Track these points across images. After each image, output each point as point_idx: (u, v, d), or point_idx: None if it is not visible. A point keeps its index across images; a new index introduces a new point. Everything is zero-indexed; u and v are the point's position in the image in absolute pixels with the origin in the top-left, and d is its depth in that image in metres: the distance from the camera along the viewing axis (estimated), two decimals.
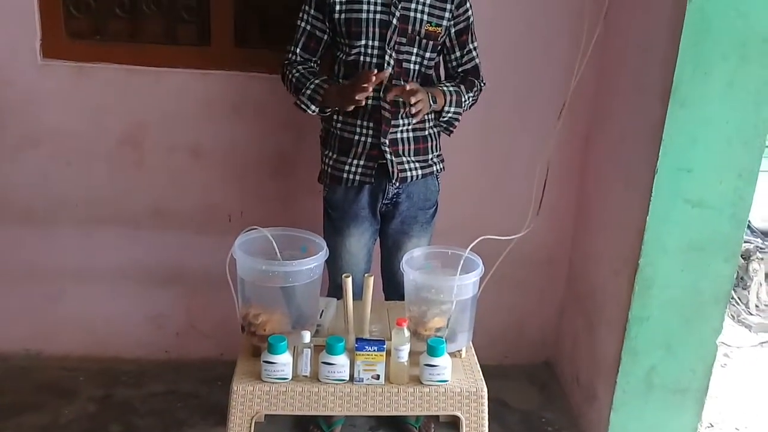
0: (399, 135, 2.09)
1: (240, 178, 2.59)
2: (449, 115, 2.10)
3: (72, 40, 2.45)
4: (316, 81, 2.04)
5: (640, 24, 2.22)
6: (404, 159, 2.11)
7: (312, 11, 2.06)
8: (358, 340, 1.68)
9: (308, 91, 2.04)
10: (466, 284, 1.75)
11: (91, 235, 2.62)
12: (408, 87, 1.92)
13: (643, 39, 2.20)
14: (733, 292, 3.33)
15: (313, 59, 2.12)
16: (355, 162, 2.10)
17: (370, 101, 2.02)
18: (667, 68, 1.98)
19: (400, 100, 2.00)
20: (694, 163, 2.04)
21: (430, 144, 2.17)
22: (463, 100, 2.11)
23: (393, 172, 2.09)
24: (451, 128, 2.17)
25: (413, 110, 1.93)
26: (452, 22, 2.09)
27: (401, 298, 1.94)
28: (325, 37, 2.09)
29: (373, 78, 1.88)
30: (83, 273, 2.66)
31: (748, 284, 3.78)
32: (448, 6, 2.06)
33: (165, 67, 2.46)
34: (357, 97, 1.90)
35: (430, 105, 2.00)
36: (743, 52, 1.95)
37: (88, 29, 2.47)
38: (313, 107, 2.05)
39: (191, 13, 2.47)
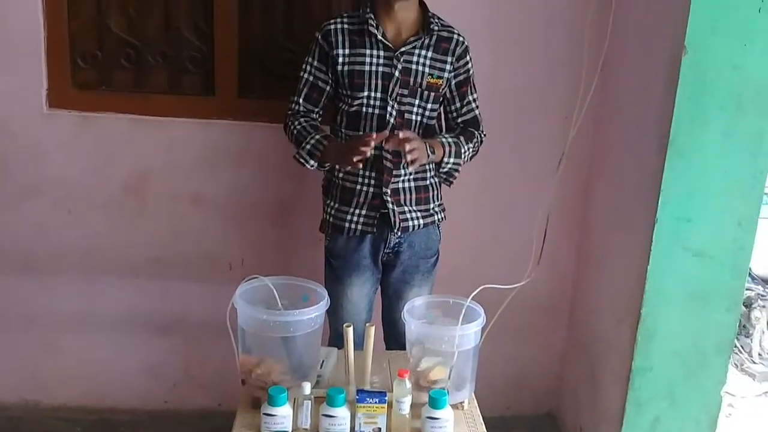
0: (401, 185, 2.11)
1: (241, 226, 2.60)
2: (449, 165, 2.11)
3: (78, 90, 2.49)
4: (317, 136, 2.07)
5: (637, 76, 2.26)
6: (406, 208, 2.13)
7: (315, 63, 2.10)
8: (359, 391, 1.66)
9: (308, 146, 2.06)
10: (468, 334, 1.74)
11: (91, 284, 2.61)
12: (401, 135, 1.93)
13: (639, 90, 2.24)
14: (736, 340, 3.31)
15: (316, 110, 2.15)
16: (357, 211, 2.11)
17: (372, 151, 2.04)
18: (664, 119, 2.01)
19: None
20: (693, 212, 2.05)
21: (431, 193, 2.18)
22: (462, 151, 2.13)
23: (395, 221, 2.10)
24: (451, 179, 2.19)
25: (409, 157, 1.93)
26: (453, 74, 2.13)
27: (402, 347, 1.92)
28: (328, 88, 2.12)
29: (372, 143, 1.91)
30: (81, 322, 2.64)
31: (750, 332, 3.75)
32: (449, 59, 2.10)
33: (169, 117, 2.49)
34: (355, 160, 1.93)
35: (428, 155, 2.02)
36: (739, 104, 1.98)
37: (94, 80, 2.51)
38: (312, 162, 2.07)
39: (197, 65, 2.51)
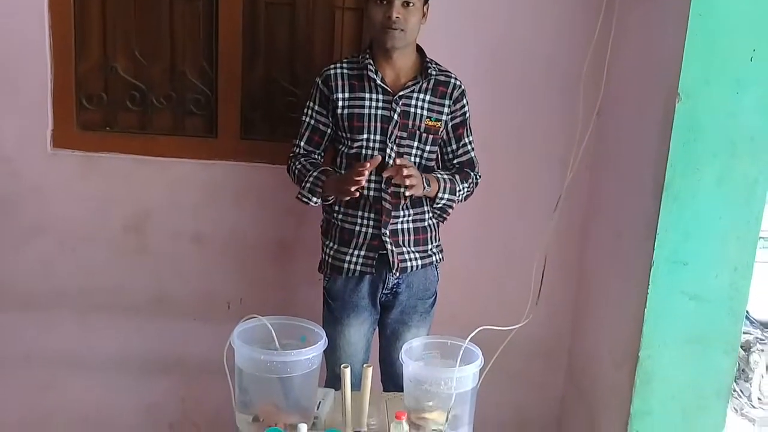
0: (399, 226, 2.13)
1: (241, 265, 2.62)
2: (443, 201, 2.14)
3: (82, 131, 2.53)
4: (315, 173, 2.09)
5: (632, 121, 2.30)
6: (404, 249, 2.14)
7: (316, 107, 2.15)
8: None
9: (308, 184, 2.09)
10: (466, 376, 1.74)
11: (90, 323, 2.61)
12: (398, 161, 1.97)
13: (634, 136, 2.27)
14: (735, 384, 3.28)
15: (317, 152, 2.19)
16: (356, 252, 2.13)
17: (371, 192, 2.08)
18: (659, 164, 2.04)
19: (400, 191, 2.05)
20: (689, 256, 2.06)
21: (429, 235, 2.20)
22: (457, 189, 2.15)
23: (393, 262, 2.12)
24: (444, 215, 2.21)
25: (407, 182, 1.96)
26: (450, 117, 2.17)
27: (399, 388, 1.92)
28: (328, 131, 2.16)
29: (366, 172, 1.94)
30: (79, 361, 2.63)
31: (750, 377, 3.72)
32: (447, 102, 2.15)
33: (172, 157, 2.53)
34: (351, 189, 1.95)
35: (424, 187, 2.04)
36: (733, 150, 2.01)
37: (98, 121, 2.55)
38: (314, 199, 2.10)
39: (200, 107, 2.56)
